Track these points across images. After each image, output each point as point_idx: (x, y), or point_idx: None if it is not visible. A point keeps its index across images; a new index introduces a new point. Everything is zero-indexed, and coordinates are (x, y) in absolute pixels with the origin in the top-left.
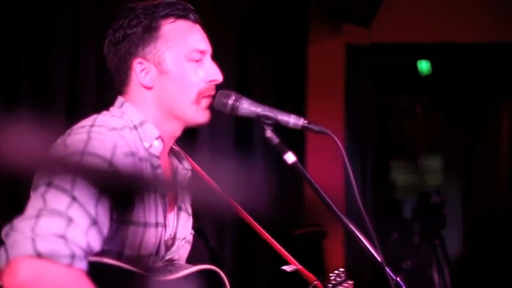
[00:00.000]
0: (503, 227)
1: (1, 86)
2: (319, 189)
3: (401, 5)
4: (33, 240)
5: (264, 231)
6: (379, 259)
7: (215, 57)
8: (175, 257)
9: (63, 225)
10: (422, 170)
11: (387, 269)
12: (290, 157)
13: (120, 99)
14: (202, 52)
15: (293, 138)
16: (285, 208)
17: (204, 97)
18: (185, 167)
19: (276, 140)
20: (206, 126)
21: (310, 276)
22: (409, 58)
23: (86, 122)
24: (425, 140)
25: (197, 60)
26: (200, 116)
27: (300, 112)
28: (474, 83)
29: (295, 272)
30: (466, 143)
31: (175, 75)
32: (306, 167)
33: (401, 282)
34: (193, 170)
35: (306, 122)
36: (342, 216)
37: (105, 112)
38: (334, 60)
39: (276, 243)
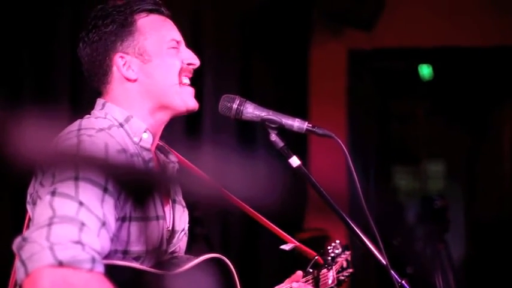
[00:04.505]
0: (506, 231)
1: (4, 80)
2: (325, 192)
3: (403, 10)
4: (51, 249)
5: (258, 215)
6: (384, 262)
7: (217, 63)
8: (177, 250)
9: (77, 231)
10: (425, 175)
11: (392, 272)
12: (295, 161)
13: (100, 101)
14: (178, 42)
15: (296, 142)
16: (289, 211)
17: (184, 75)
18: (171, 160)
19: (280, 143)
20: (209, 126)
21: (309, 252)
22: (411, 63)
23: (71, 127)
24: (428, 145)
25: (174, 48)
26: (188, 101)
27: (302, 117)
28: (476, 87)
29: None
30: (469, 148)
31: (159, 61)
32: (309, 170)
33: (406, 286)
34: (179, 163)
35: (310, 125)
36: (347, 219)
37: (87, 116)
38: (336, 65)
39: (271, 224)
